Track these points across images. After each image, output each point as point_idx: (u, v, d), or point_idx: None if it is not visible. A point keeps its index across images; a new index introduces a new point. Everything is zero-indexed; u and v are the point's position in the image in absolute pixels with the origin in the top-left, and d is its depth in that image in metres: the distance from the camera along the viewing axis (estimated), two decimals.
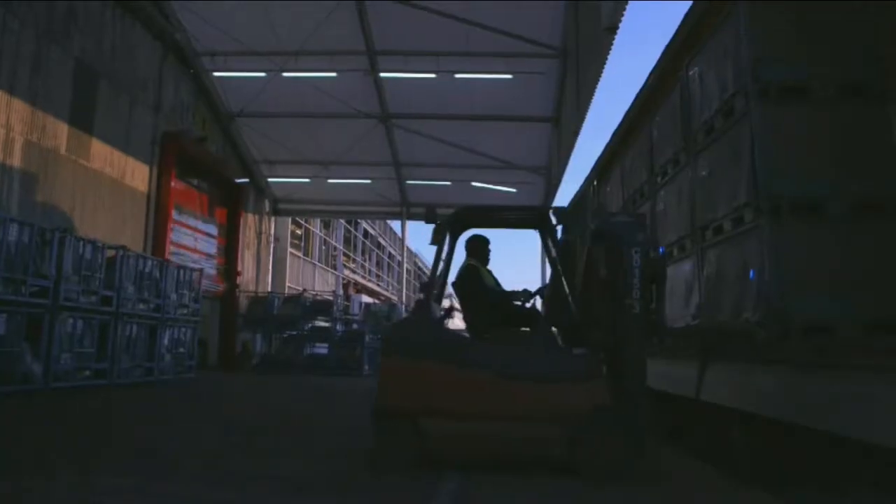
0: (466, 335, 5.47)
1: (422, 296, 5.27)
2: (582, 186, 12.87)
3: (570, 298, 5.21)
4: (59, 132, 11.97)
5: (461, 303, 5.64)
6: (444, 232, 5.42)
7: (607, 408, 4.76)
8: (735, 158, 5.11)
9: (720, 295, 5.40)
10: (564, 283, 5.25)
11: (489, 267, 5.91)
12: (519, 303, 5.75)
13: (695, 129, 6.00)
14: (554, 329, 5.50)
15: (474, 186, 21.06)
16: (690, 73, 6.15)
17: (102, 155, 13.28)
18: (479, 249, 5.83)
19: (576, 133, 15.25)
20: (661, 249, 5.38)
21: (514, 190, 21.10)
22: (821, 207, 4.64)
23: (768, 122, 4.80)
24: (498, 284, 5.90)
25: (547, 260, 5.74)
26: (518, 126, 18.75)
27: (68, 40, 12.18)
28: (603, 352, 5.01)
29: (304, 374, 17.73)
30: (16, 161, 10.88)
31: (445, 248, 5.45)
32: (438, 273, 5.59)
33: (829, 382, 3.90)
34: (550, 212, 5.46)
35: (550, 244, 5.40)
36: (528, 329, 5.53)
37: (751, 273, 4.89)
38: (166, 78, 15.95)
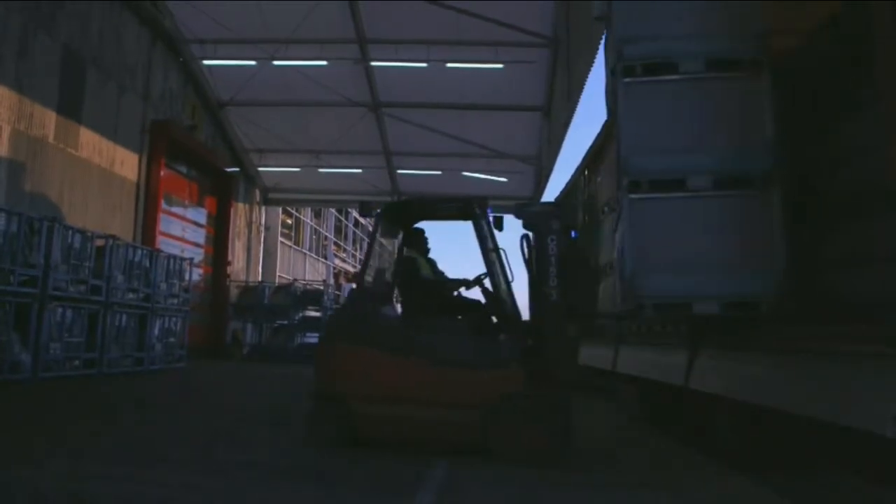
0: (400, 322, 5.66)
1: (354, 285, 5.56)
2: (573, 176, 12.89)
3: (498, 288, 5.43)
4: (47, 120, 11.86)
5: (400, 292, 5.87)
6: (377, 225, 5.83)
7: (520, 394, 4.92)
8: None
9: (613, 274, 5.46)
10: (493, 273, 5.46)
11: (431, 256, 6.14)
12: (463, 290, 5.91)
13: None
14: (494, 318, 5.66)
15: (465, 176, 21.05)
16: None
17: (91, 143, 13.17)
18: (416, 241, 6.05)
19: (566, 123, 15.26)
20: (573, 234, 5.48)
21: (504, 179, 21.08)
22: (683, 183, 4.55)
23: (632, 99, 4.75)
24: (438, 274, 6.08)
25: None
26: (509, 116, 18.72)
27: (55, 27, 12.04)
28: (530, 338, 5.17)
29: (294, 363, 17.72)
30: (3, 150, 10.77)
31: (392, 239, 5.78)
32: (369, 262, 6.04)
33: (812, 369, 3.95)
34: (477, 204, 5.60)
35: (480, 234, 5.51)
36: (461, 317, 5.74)
37: (616, 251, 4.92)
38: (155, 66, 15.81)
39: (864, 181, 3.86)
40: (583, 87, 13.28)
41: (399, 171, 22.19)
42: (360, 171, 22.13)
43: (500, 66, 16.17)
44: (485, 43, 15.51)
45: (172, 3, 15.52)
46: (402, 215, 6.15)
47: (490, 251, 5.49)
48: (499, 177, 21.02)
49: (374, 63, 16.91)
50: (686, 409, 6.21)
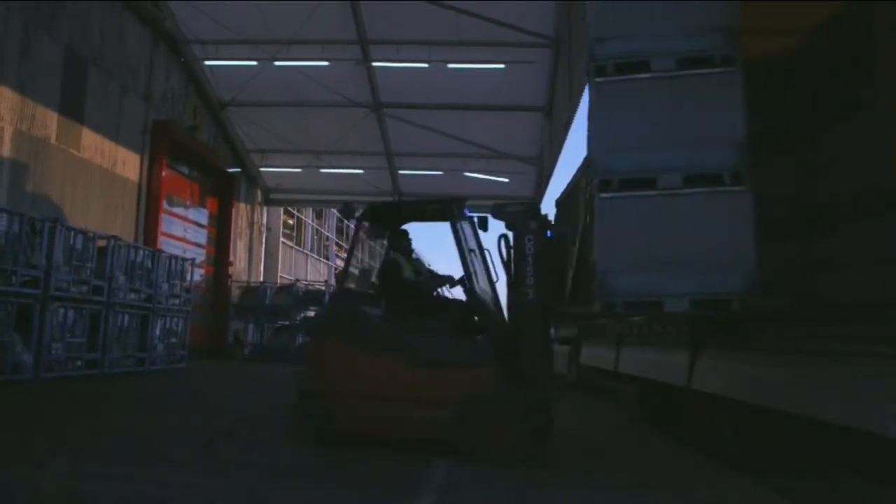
0: (382, 322, 5.68)
1: (337, 286, 5.64)
2: (574, 177, 12.88)
3: (475, 289, 5.46)
4: (49, 121, 11.88)
5: (383, 293, 5.93)
6: (359, 227, 6.02)
7: (496, 394, 4.94)
8: None
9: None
10: (470, 274, 5.48)
11: (416, 256, 6.27)
12: (448, 290, 5.98)
13: None
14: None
15: (466, 176, 21.04)
16: None
17: (93, 144, 13.19)
18: (399, 242, 6.10)
19: (567, 123, 15.24)
20: (548, 234, 5.51)
21: (506, 180, 21.07)
22: (654, 181, 4.52)
23: (603, 98, 4.77)
24: (422, 273, 6.15)
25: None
26: (510, 116, 18.70)
27: (56, 27, 12.05)
28: (507, 338, 5.16)
29: (295, 363, 17.70)
30: (5, 151, 10.79)
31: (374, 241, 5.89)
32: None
33: (812, 369, 3.95)
34: (454, 205, 5.61)
35: (456, 235, 5.54)
36: (442, 317, 5.74)
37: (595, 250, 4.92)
38: (157, 66, 15.83)
39: (864, 181, 3.85)
40: (584, 88, 13.25)
41: (400, 172, 22.17)
42: (361, 171, 22.11)
43: (501, 66, 16.17)
44: (486, 43, 15.50)
45: (174, 4, 15.53)
46: (386, 217, 6.23)
47: (468, 252, 5.52)
48: (500, 177, 21.01)
49: (375, 63, 16.92)
50: (686, 409, 6.21)
